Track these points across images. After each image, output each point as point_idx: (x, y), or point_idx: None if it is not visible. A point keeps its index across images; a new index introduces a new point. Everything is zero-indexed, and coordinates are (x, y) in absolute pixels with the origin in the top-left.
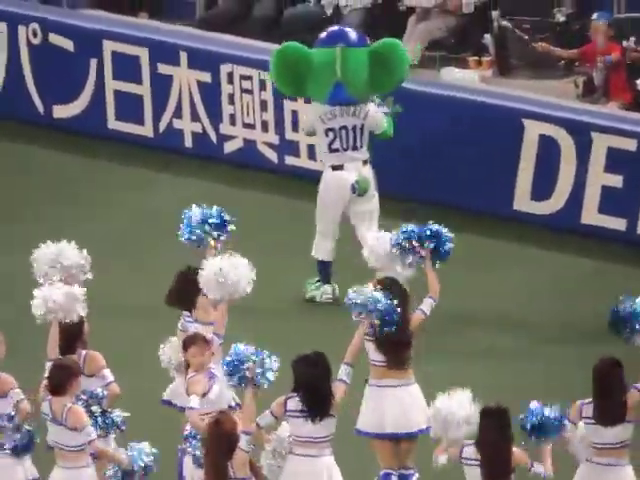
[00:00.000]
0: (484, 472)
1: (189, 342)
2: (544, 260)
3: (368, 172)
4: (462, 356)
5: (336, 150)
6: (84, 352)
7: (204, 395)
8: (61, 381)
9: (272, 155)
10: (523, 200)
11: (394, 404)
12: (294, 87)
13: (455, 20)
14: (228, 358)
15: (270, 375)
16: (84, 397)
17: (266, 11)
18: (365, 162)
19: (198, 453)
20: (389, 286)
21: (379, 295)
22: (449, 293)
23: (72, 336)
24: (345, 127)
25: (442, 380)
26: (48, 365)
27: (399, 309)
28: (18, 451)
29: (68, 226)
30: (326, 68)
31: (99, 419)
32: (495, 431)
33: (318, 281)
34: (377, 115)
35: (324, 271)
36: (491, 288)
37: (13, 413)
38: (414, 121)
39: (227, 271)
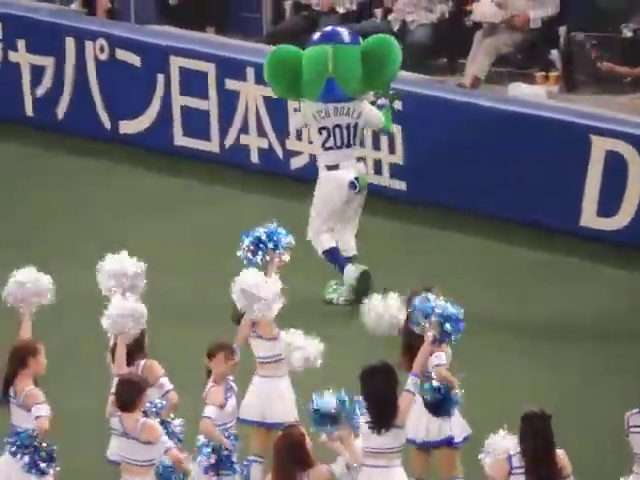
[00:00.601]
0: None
1: (213, 351)
2: (611, 276)
3: (363, 169)
4: (528, 369)
5: (330, 148)
6: (142, 362)
7: (222, 407)
8: (130, 397)
9: None
10: (590, 216)
11: (420, 412)
12: (288, 90)
13: (522, 35)
14: (317, 407)
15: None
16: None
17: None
18: (359, 159)
19: (212, 462)
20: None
21: (443, 302)
22: (516, 307)
23: (135, 348)
24: (339, 125)
25: (510, 388)
26: (115, 381)
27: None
28: (32, 468)
29: (132, 239)
30: (317, 65)
31: None
32: (535, 436)
33: (336, 283)
34: (372, 112)
35: (336, 260)
36: (557, 304)
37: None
38: (481, 136)
39: (252, 287)
